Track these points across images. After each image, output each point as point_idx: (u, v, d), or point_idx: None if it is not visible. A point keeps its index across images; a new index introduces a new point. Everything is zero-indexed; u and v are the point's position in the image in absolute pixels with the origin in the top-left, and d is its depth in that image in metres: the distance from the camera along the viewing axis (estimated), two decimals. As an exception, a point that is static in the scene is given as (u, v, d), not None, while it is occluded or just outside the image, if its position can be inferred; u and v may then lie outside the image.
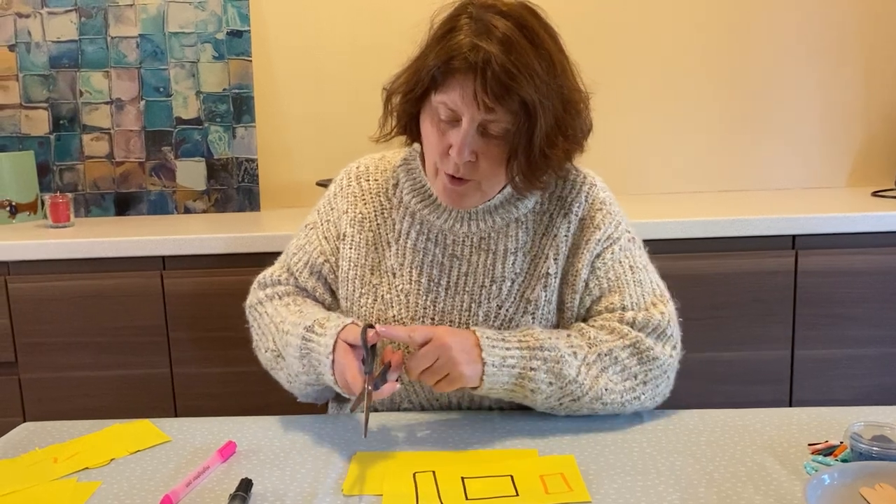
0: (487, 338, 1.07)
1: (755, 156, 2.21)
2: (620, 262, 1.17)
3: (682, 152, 2.21)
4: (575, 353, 1.08)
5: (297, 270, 1.25)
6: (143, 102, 2.13)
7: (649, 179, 2.23)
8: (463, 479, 0.94)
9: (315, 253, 1.24)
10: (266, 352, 1.22)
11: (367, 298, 1.18)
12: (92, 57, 2.12)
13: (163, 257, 1.79)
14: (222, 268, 1.78)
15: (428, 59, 1.06)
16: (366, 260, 1.19)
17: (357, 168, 1.25)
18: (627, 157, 2.21)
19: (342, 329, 1.07)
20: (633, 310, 1.14)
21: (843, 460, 0.93)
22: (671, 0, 2.15)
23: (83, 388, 1.83)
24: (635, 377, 1.11)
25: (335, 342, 1.06)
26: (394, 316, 1.16)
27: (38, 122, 2.14)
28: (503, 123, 1.05)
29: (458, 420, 1.12)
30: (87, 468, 1.00)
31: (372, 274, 1.18)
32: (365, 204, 1.21)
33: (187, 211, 2.16)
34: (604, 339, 1.11)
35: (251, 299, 1.28)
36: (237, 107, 2.13)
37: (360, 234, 1.20)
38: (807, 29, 2.15)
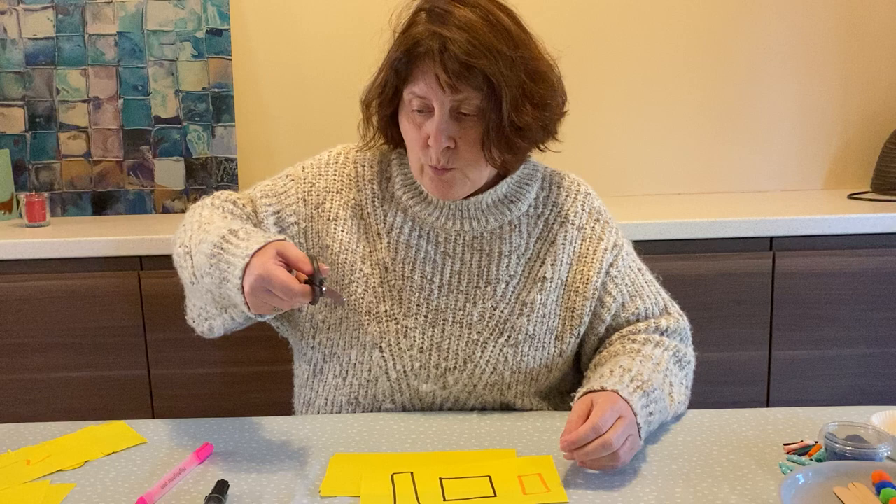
0: (628, 396, 0.99)
1: (733, 158, 2.23)
2: (630, 267, 1.21)
3: (661, 155, 2.23)
4: (660, 380, 1.09)
5: (262, 213, 1.18)
6: (121, 101, 2.11)
7: (628, 181, 2.24)
8: (441, 479, 0.93)
9: (289, 211, 1.19)
10: (179, 247, 1.12)
11: (358, 287, 1.16)
12: (69, 54, 2.10)
13: (140, 257, 1.77)
14: (201, 268, 1.77)
15: (391, 57, 1.09)
16: (357, 246, 1.17)
17: (356, 152, 1.23)
18: (606, 158, 2.22)
19: (277, 241, 0.99)
20: (657, 314, 1.20)
21: (818, 460, 0.94)
22: (651, 5, 2.16)
23: (58, 389, 1.80)
24: (682, 384, 1.15)
25: (262, 247, 0.97)
26: (386, 311, 1.15)
27: (14, 120, 2.11)
28: (474, 101, 1.06)
29: (437, 420, 1.12)
30: (60, 470, 0.99)
31: (363, 263, 1.17)
32: (359, 190, 1.20)
33: (165, 211, 2.15)
34: (660, 357, 1.13)
35: (196, 204, 1.21)
36: (216, 106, 2.11)
37: (353, 219, 1.18)
38: (784, 34, 2.17)
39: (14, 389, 1.81)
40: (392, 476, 0.94)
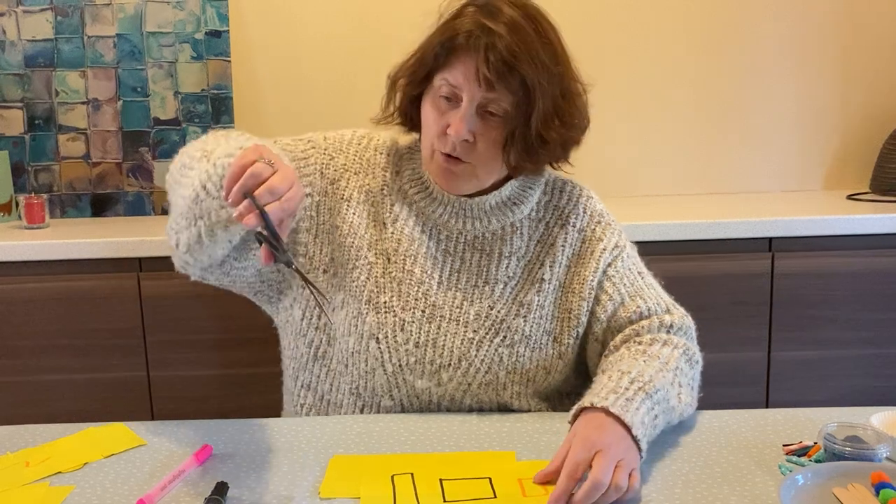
0: (620, 407, 0.95)
1: (732, 159, 2.23)
2: (630, 269, 1.20)
3: (660, 155, 2.23)
4: (667, 380, 1.07)
5: None
6: (120, 102, 2.11)
7: (627, 182, 2.24)
8: (441, 480, 0.93)
9: (306, 181, 1.17)
10: (197, 152, 1.06)
11: (361, 274, 1.16)
12: (68, 56, 2.10)
13: (139, 259, 1.77)
14: (200, 269, 1.77)
15: (433, 40, 1.10)
16: (365, 232, 1.17)
17: (377, 139, 1.24)
18: (605, 159, 2.22)
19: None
20: (660, 312, 1.17)
21: (817, 461, 0.94)
22: (650, 5, 2.16)
23: (57, 391, 1.80)
24: (689, 385, 1.12)
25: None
26: (385, 302, 1.14)
27: (13, 122, 2.11)
28: (503, 104, 1.07)
29: (437, 422, 1.12)
30: (59, 472, 0.99)
31: (369, 250, 1.17)
32: (374, 177, 1.20)
33: (164, 212, 2.14)
34: (669, 356, 1.10)
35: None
36: (216, 107, 2.11)
37: (364, 204, 1.19)
38: (783, 35, 2.18)
39: (13, 391, 1.80)
40: (392, 477, 0.94)
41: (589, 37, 2.17)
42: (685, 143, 2.22)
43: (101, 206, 2.14)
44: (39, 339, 1.79)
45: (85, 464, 1.01)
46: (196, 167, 1.03)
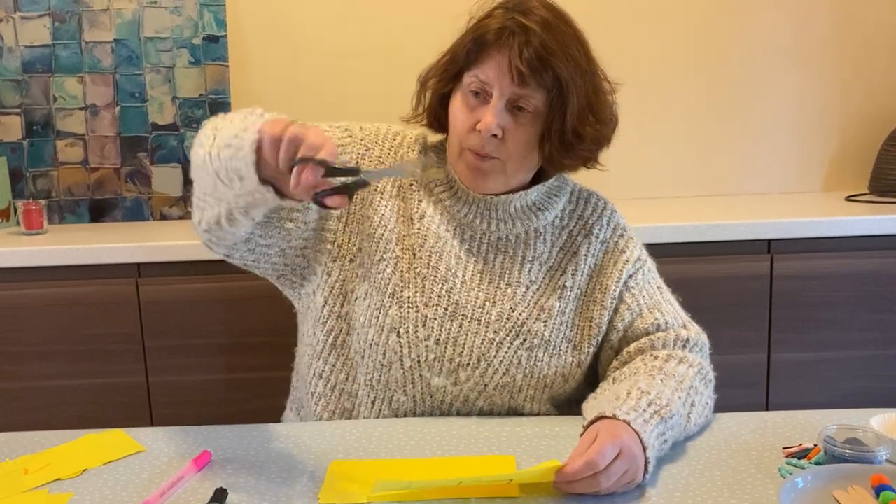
0: (640, 426, 0.95)
1: (731, 161, 2.23)
2: (650, 283, 1.22)
3: (658, 158, 2.23)
4: (681, 401, 1.06)
5: None
6: (118, 108, 2.11)
7: (625, 184, 2.23)
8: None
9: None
10: (210, 130, 1.06)
11: (387, 267, 1.16)
12: (66, 62, 2.10)
13: (138, 264, 1.77)
14: (198, 275, 1.77)
15: (464, 39, 1.12)
16: (394, 226, 1.18)
17: (409, 136, 1.25)
18: (604, 161, 2.21)
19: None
20: (677, 327, 1.18)
21: (817, 463, 0.94)
22: (648, 6, 2.17)
23: (56, 397, 1.80)
24: (706, 404, 1.12)
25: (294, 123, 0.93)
26: (408, 297, 1.14)
27: (11, 128, 2.11)
28: (534, 100, 1.09)
29: (436, 426, 1.11)
30: (58, 479, 0.98)
31: (396, 244, 1.17)
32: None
33: (163, 217, 2.14)
34: (684, 374, 1.10)
35: None
36: (214, 112, 2.10)
37: (396, 199, 1.20)
38: (782, 36, 2.18)
39: (12, 398, 1.80)
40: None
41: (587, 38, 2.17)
42: (683, 145, 2.22)
43: (99, 211, 2.14)
44: (38, 346, 1.79)
45: (84, 470, 1.01)
46: (206, 145, 1.03)
